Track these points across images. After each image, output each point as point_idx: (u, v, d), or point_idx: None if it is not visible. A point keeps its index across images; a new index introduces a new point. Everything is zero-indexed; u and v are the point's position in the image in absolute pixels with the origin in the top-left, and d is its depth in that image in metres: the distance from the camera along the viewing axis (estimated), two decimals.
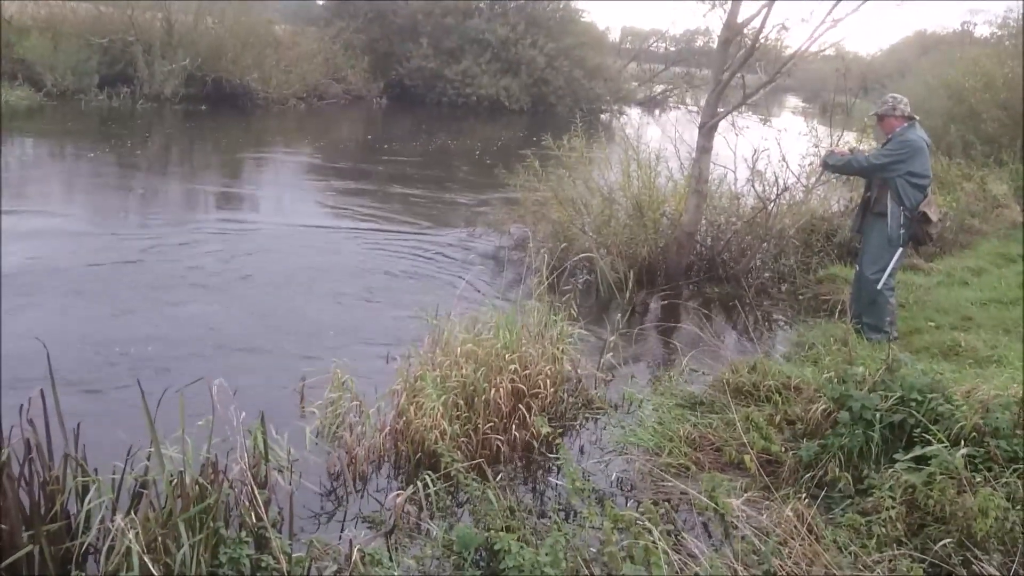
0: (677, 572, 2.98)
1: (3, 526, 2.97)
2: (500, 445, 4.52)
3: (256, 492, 3.23)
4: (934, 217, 6.64)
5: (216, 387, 3.52)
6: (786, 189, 8.87)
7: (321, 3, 33.30)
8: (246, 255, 8.63)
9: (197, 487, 3.07)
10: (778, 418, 4.76)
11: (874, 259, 6.64)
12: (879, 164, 6.53)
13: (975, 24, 38.96)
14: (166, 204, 11.00)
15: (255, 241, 9.25)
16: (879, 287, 6.58)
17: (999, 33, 22.03)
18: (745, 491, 3.88)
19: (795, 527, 3.28)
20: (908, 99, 6.83)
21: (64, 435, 3.22)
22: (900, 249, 6.63)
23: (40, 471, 3.14)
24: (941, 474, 3.54)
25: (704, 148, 8.14)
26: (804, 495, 3.76)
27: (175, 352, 5.84)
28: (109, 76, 21.25)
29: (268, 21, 26.50)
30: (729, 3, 7.93)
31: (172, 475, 3.08)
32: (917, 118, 6.73)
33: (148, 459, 3.26)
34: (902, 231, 6.54)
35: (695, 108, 10.00)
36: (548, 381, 5.01)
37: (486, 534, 3.16)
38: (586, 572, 3.03)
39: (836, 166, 6.97)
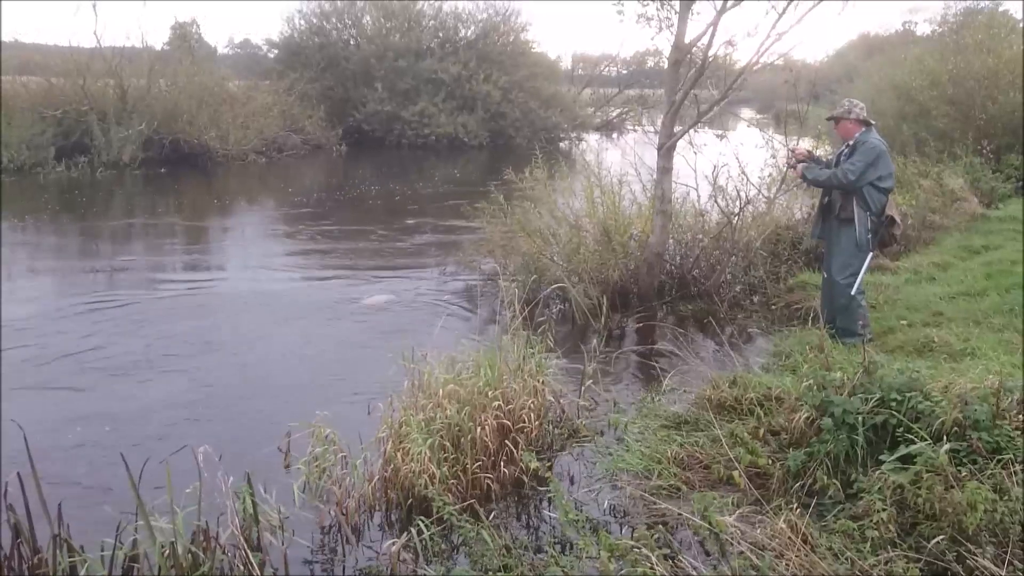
0: None
1: None
2: (490, 483, 4.51)
3: (250, 555, 3.20)
4: (898, 219, 6.74)
5: (202, 453, 3.49)
6: (748, 202, 8.98)
7: (273, 56, 33.38)
8: (216, 317, 8.57)
9: (190, 555, 3.04)
10: (762, 430, 4.79)
11: (844, 264, 6.70)
12: (854, 179, 6.48)
13: (916, 23, 39.84)
14: (131, 275, 10.81)
15: (224, 303, 9.18)
16: (853, 293, 6.64)
17: (940, 30, 22.54)
18: (737, 507, 3.89)
19: (790, 538, 3.29)
20: (845, 102, 6.91)
21: (47, 517, 3.18)
22: (870, 254, 6.71)
23: (28, 555, 3.10)
24: (927, 472, 3.58)
25: (664, 168, 8.24)
26: (795, 505, 3.77)
27: (151, 422, 5.78)
28: (66, 147, 21.12)
29: (221, 78, 26.49)
30: (676, 25, 8.07)
31: (164, 546, 3.05)
32: (873, 122, 6.83)
33: (136, 531, 3.23)
34: (870, 236, 6.62)
35: (652, 129, 10.10)
36: (532, 415, 5.01)
37: (485, 575, 3.15)
38: None
39: (817, 181, 6.81)
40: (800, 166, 6.93)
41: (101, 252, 12.41)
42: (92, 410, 5.97)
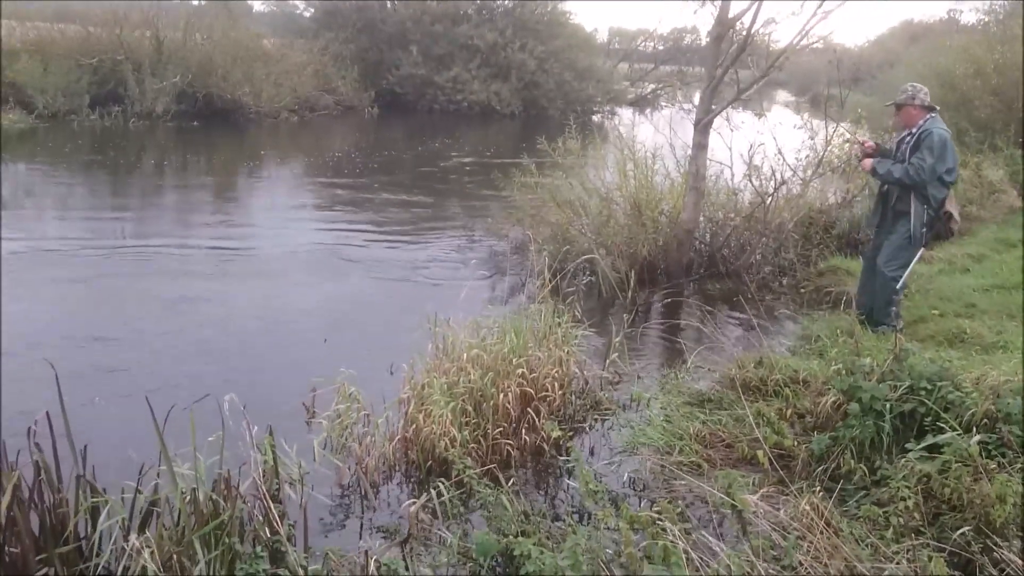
0: (697, 570, 2.96)
1: (15, 550, 2.94)
2: (510, 450, 4.50)
3: (271, 506, 3.20)
4: (956, 214, 6.48)
5: (227, 401, 3.49)
6: (783, 183, 8.85)
7: (308, 15, 33.29)
8: (242, 273, 8.61)
9: (211, 503, 3.04)
10: (788, 412, 4.75)
11: (893, 255, 6.42)
12: (927, 177, 6.12)
13: (961, 12, 39.06)
14: (158, 226, 10.85)
15: (251, 259, 9.22)
16: (899, 286, 6.46)
17: (986, 20, 22.02)
18: (759, 487, 3.85)
19: (813, 521, 3.25)
20: (908, 88, 6.51)
21: (74, 456, 3.19)
22: (921, 248, 6.49)
23: (51, 493, 3.12)
24: (956, 462, 3.52)
25: (700, 145, 8.14)
26: (818, 488, 3.73)
27: (175, 373, 5.81)
28: (100, 96, 21.26)
29: (256, 35, 26.47)
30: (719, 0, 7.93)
31: (186, 492, 3.06)
32: (937, 108, 6.48)
33: (158, 476, 3.24)
34: (925, 230, 6.32)
35: (688, 106, 10.04)
36: (556, 384, 4.99)
37: (504, 539, 3.14)
38: (606, 574, 3.01)
39: (890, 177, 6.35)
40: (870, 161, 6.54)
41: (130, 204, 12.48)
42: (115, 361, 6.00)
